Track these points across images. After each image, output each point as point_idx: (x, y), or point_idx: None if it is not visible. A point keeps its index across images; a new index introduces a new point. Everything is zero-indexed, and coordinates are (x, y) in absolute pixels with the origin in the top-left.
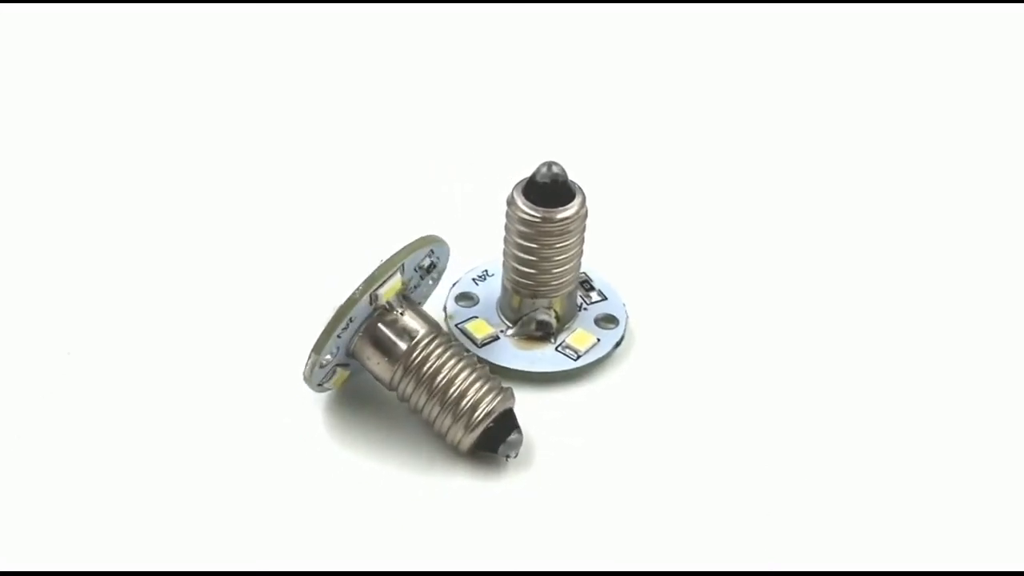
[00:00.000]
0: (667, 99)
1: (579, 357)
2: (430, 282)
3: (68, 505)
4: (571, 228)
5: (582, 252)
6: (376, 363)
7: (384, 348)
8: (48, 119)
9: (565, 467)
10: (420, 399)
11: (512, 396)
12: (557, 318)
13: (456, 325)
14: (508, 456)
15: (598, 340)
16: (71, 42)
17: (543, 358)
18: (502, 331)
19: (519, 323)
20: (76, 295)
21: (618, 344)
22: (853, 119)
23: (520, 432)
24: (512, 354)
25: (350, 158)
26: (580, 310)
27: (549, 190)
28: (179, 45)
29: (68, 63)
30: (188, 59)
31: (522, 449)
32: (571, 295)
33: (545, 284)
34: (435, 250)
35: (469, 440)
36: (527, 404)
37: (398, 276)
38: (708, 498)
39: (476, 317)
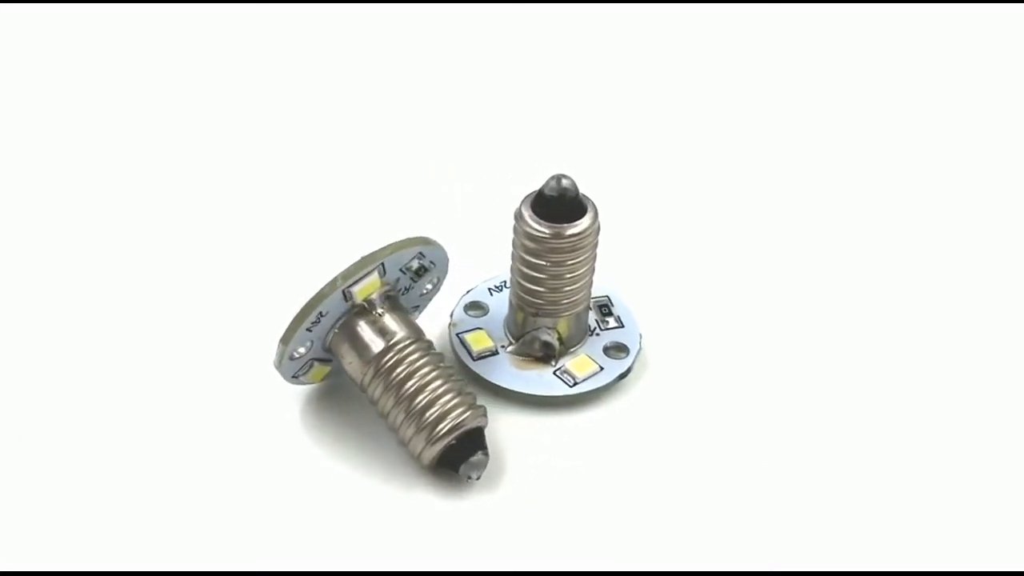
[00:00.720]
0: (690, 95)
1: (576, 384)
2: (428, 287)
3: (57, 504)
4: (581, 245)
5: (593, 271)
6: (349, 362)
7: (358, 347)
8: (39, 118)
9: (534, 491)
10: (387, 404)
11: (484, 415)
12: (560, 340)
13: (457, 334)
14: (470, 477)
15: (600, 368)
16: (66, 42)
17: (538, 380)
18: (503, 346)
19: (521, 341)
20: (65, 291)
21: (622, 376)
22: (888, 147)
23: (486, 454)
24: (507, 372)
25: (366, 160)
26: (591, 334)
27: (558, 204)
28: (178, 46)
29: (62, 62)
30: (188, 60)
31: (493, 470)
32: (579, 317)
33: (550, 304)
34: (425, 253)
35: (430, 454)
36: (515, 425)
37: (375, 275)
38: (687, 543)
39: (480, 329)
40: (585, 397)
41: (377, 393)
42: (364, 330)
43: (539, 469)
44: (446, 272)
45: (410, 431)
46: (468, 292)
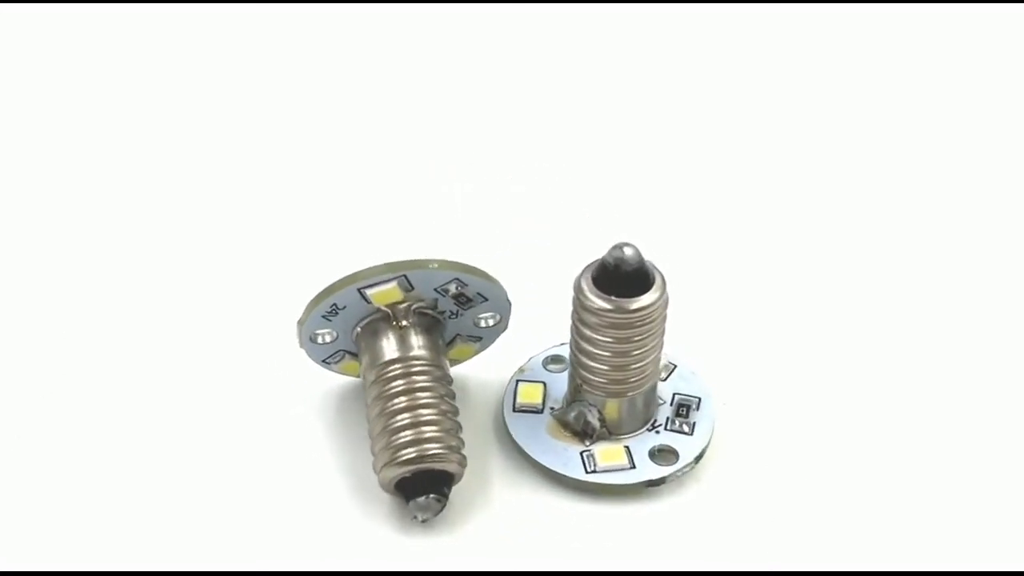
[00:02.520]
0: (726, 99)
1: (593, 472)
2: (489, 321)
3: (58, 504)
4: (634, 323)
5: (654, 357)
6: (363, 361)
7: (372, 349)
8: (36, 119)
9: (488, 547)
10: (373, 411)
11: (459, 464)
12: (603, 422)
13: (516, 380)
14: (415, 517)
15: (630, 467)
16: (64, 42)
17: (560, 452)
18: (552, 407)
19: (565, 407)
20: (67, 292)
21: (651, 484)
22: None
23: (440, 501)
24: (535, 433)
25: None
26: (652, 427)
27: (617, 276)
28: (178, 46)
29: (59, 63)
30: (189, 60)
31: (462, 516)
32: (633, 403)
33: (598, 381)
34: (466, 281)
35: (386, 475)
36: (518, 487)
37: (394, 285)
38: None
39: (541, 383)
40: (601, 488)
41: (370, 399)
42: (382, 336)
43: (508, 534)
44: (507, 311)
45: (379, 445)
46: (561, 344)
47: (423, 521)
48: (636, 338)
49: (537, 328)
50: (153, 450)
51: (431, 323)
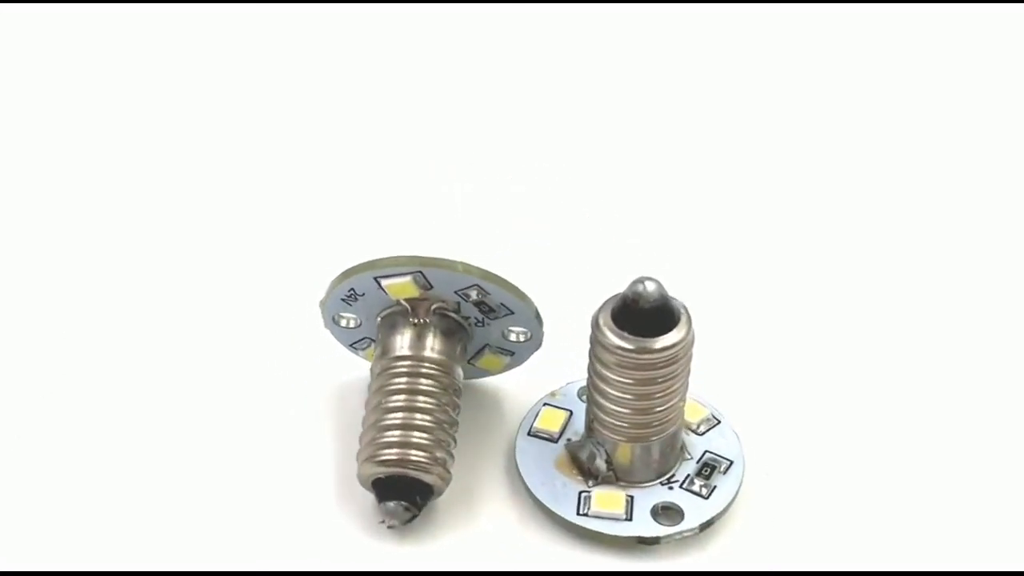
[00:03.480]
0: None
1: (584, 515)
2: (520, 336)
3: (60, 503)
4: (645, 364)
5: (672, 403)
6: (376, 349)
7: (385, 340)
8: (40, 119)
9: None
10: (371, 402)
11: (439, 479)
12: (611, 466)
13: (543, 403)
14: (383, 521)
15: (626, 519)
16: (66, 42)
17: (558, 488)
18: (570, 439)
19: (579, 441)
20: (68, 293)
21: (643, 541)
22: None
23: (409, 510)
24: (540, 462)
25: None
26: (667, 482)
27: (640, 312)
28: (178, 46)
29: (61, 63)
30: (189, 61)
31: (426, 526)
32: (648, 452)
33: (608, 424)
34: (485, 286)
35: (364, 470)
36: (511, 514)
37: (408, 280)
38: None
39: (567, 411)
40: (588, 533)
41: (372, 389)
42: (397, 330)
43: (478, 555)
44: (537, 328)
45: (366, 438)
46: None
47: (389, 527)
48: (659, 380)
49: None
50: (154, 447)
51: (452, 327)
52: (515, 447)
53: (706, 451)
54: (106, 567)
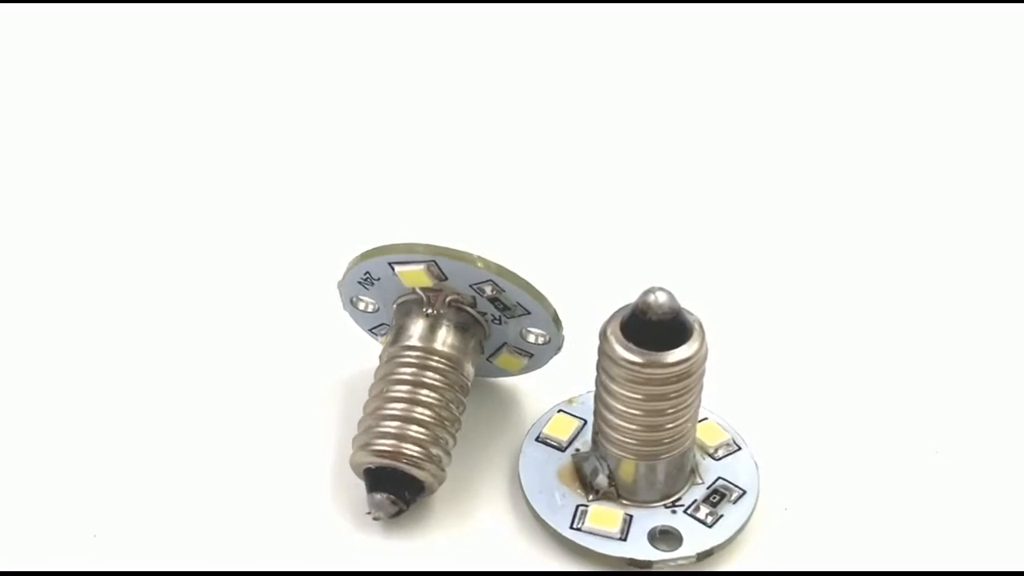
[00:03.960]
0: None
1: (574, 529)
2: (539, 339)
3: (62, 501)
4: (671, 378)
5: (679, 422)
6: (388, 335)
7: (398, 326)
8: (39, 119)
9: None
10: (375, 388)
11: (431, 476)
12: (613, 482)
13: (558, 410)
14: (369, 512)
15: (620, 539)
16: (65, 42)
17: (553, 494)
18: (578, 449)
19: (586, 452)
20: (68, 294)
21: (634, 564)
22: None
23: (396, 504)
24: (543, 469)
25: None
26: (667, 505)
27: (652, 325)
28: (178, 46)
29: (60, 63)
30: (190, 61)
31: (415, 520)
32: (652, 470)
33: (612, 439)
34: (500, 283)
35: (356, 458)
36: (500, 517)
37: (422, 268)
38: None
39: (581, 420)
40: (579, 549)
41: (378, 375)
42: (411, 319)
43: (462, 556)
44: (554, 331)
45: (364, 424)
46: None
47: (375, 519)
48: (668, 396)
49: None
50: (155, 441)
51: (467, 321)
52: (520, 451)
53: (719, 477)
54: (96, 546)
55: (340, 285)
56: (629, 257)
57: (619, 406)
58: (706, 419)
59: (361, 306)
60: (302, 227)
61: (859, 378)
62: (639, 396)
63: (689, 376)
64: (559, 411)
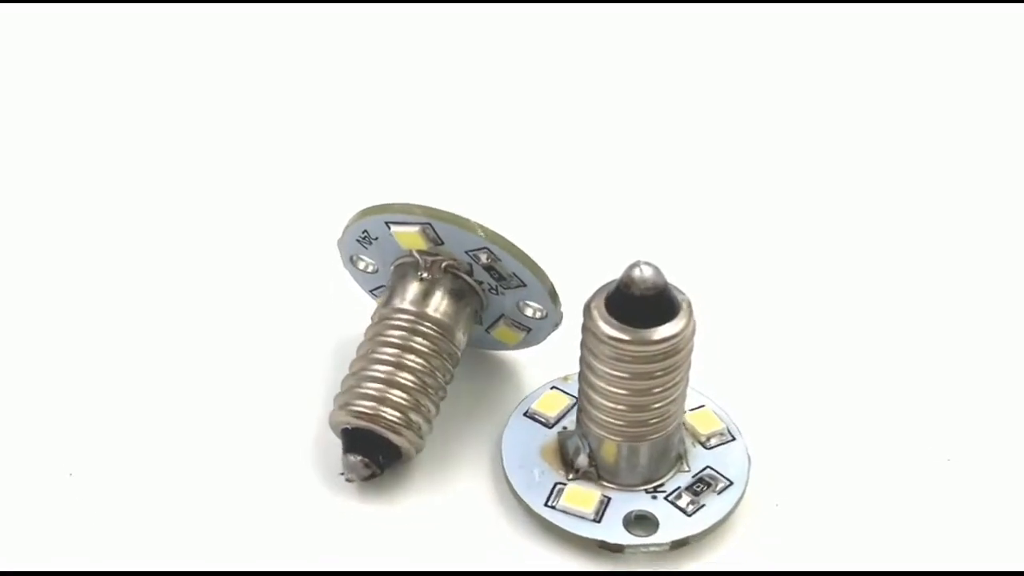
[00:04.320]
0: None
1: (548, 507)
2: (536, 313)
3: (61, 500)
4: (656, 356)
5: (663, 403)
6: (383, 296)
7: (392, 289)
8: (38, 118)
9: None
10: (362, 348)
11: (410, 442)
12: (594, 462)
13: (552, 386)
14: (342, 473)
15: (595, 520)
16: (64, 42)
17: (532, 471)
18: (566, 427)
19: (572, 430)
20: (66, 291)
21: (605, 546)
22: None
23: (369, 467)
24: (527, 445)
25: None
26: (649, 491)
27: (637, 300)
28: (176, 46)
29: (59, 63)
30: (188, 60)
31: (387, 486)
32: (634, 453)
33: (595, 417)
34: (495, 251)
35: (333, 417)
36: (477, 492)
37: (416, 229)
38: None
39: (572, 398)
40: (551, 527)
41: (367, 336)
42: (405, 281)
43: (429, 525)
44: (551, 306)
45: (347, 383)
46: None
47: (347, 480)
48: (652, 375)
49: None
50: (148, 448)
51: (463, 289)
52: (506, 424)
53: (708, 466)
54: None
55: (339, 243)
56: (635, 236)
57: (601, 384)
58: (703, 406)
59: (361, 265)
60: (309, 188)
61: (866, 373)
62: (620, 374)
63: (674, 355)
64: (552, 388)
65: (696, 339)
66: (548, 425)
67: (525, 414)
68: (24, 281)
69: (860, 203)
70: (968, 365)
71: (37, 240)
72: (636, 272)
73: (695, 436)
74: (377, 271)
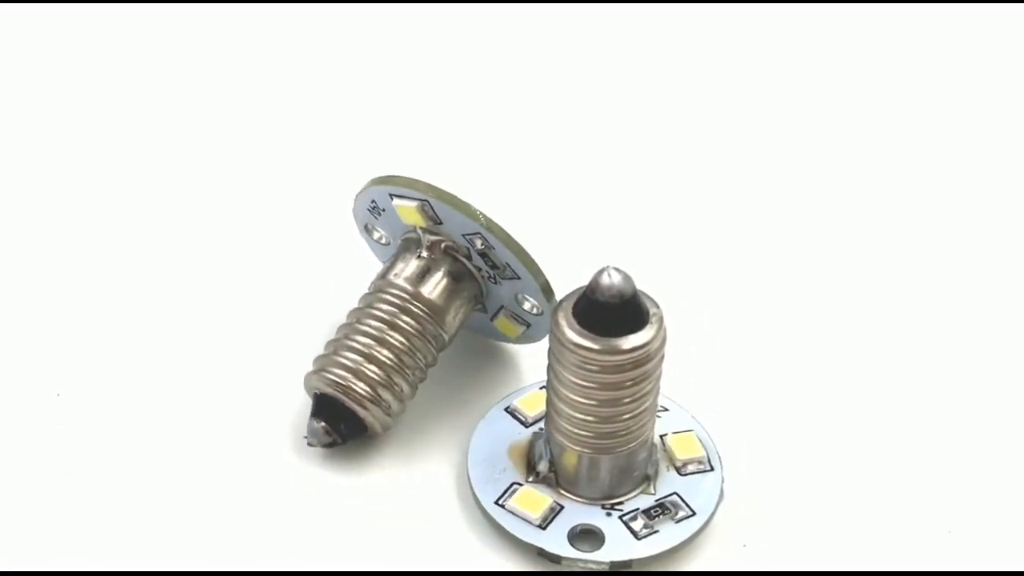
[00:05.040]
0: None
1: (497, 504)
2: (533, 308)
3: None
4: (627, 365)
5: (627, 418)
6: (383, 267)
7: (392, 262)
8: (37, 118)
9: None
10: (352, 317)
11: (376, 418)
12: (552, 468)
13: (540, 387)
14: (305, 437)
15: (540, 526)
16: (64, 42)
17: (495, 468)
18: (541, 428)
19: (539, 434)
20: (63, 292)
21: (542, 554)
22: None
23: (330, 435)
24: (496, 440)
25: None
26: (605, 507)
27: (604, 308)
28: (174, 45)
29: (58, 62)
30: (187, 59)
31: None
32: (595, 466)
33: (558, 425)
34: (489, 239)
35: (308, 379)
36: (438, 480)
37: (414, 204)
38: None
39: None
40: (496, 526)
41: (361, 302)
42: (405, 257)
43: (380, 507)
44: (547, 306)
45: (328, 348)
46: None
47: (309, 444)
48: (617, 386)
49: None
50: (146, 447)
51: (462, 273)
52: (483, 416)
53: (675, 493)
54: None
55: (353, 211)
56: (644, 238)
57: (563, 390)
58: (691, 431)
59: (375, 236)
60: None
61: (864, 399)
62: (581, 382)
63: (637, 368)
64: (541, 387)
65: (697, 354)
66: (525, 424)
67: (506, 409)
68: (24, 255)
69: (849, 214)
70: (947, 398)
71: (35, 212)
72: (604, 278)
73: (671, 460)
74: (389, 244)
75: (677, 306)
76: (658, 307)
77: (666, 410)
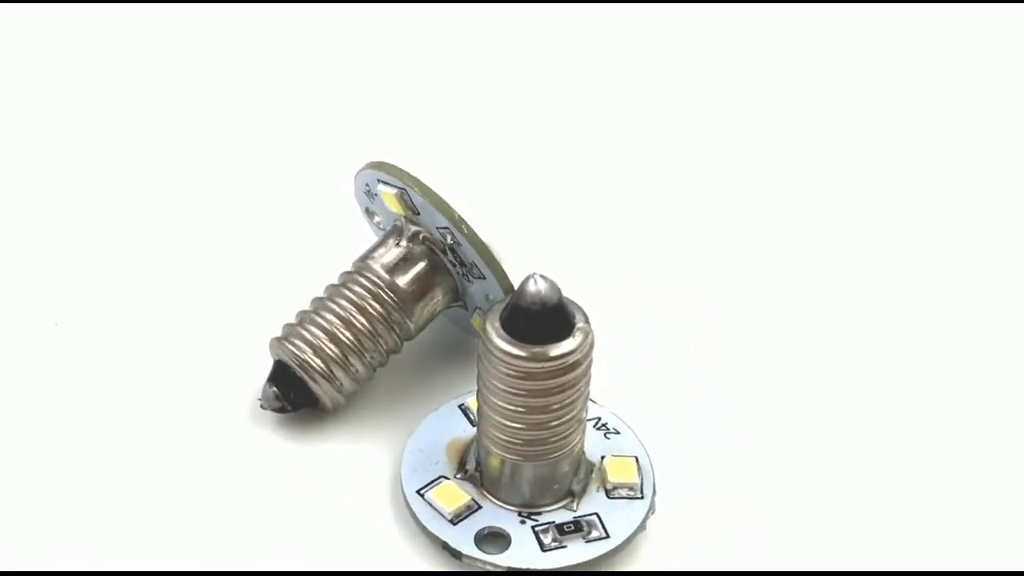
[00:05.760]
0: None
1: (419, 496)
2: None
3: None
4: (554, 372)
5: (551, 428)
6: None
7: (375, 244)
8: (37, 118)
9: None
10: (324, 291)
11: (327, 395)
12: (478, 467)
13: None
14: (259, 399)
15: (450, 521)
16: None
17: (428, 458)
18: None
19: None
20: (61, 287)
21: (446, 548)
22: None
23: (280, 401)
24: (440, 431)
25: None
26: (522, 514)
27: (532, 315)
28: (173, 45)
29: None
30: (185, 59)
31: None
32: (517, 472)
33: (483, 428)
34: (456, 235)
35: (272, 344)
36: (375, 463)
37: (395, 192)
38: None
39: None
40: (412, 514)
41: (339, 279)
42: (387, 242)
43: (303, 481)
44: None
45: (297, 319)
46: None
47: (261, 407)
48: (551, 391)
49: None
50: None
51: (438, 266)
52: (436, 409)
53: (595, 513)
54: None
55: (355, 193)
56: (641, 248)
57: (489, 395)
58: (635, 457)
59: (375, 220)
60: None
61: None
62: (502, 387)
63: (557, 377)
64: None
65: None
66: (473, 423)
67: (460, 406)
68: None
69: (830, 229)
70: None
71: (33, 197)
72: (530, 285)
73: (603, 481)
74: (385, 229)
75: (654, 320)
76: (586, 317)
77: (618, 433)
